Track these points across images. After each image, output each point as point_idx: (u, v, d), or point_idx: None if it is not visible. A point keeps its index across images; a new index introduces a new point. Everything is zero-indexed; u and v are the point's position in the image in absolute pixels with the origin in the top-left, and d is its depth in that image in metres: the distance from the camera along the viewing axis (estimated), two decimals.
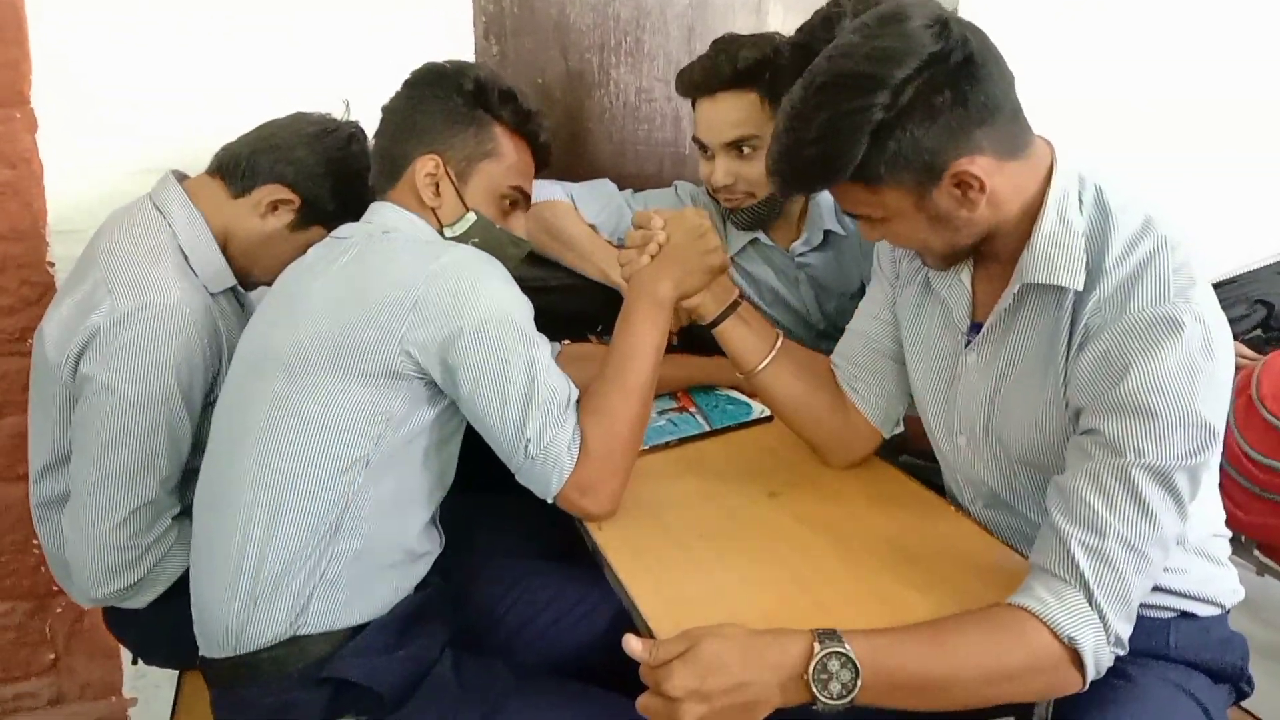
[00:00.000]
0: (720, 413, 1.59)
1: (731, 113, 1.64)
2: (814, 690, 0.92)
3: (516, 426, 1.17)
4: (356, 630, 1.20)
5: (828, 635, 0.94)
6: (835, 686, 0.92)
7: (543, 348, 1.21)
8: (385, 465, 1.20)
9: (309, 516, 1.17)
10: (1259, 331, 2.20)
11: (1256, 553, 1.75)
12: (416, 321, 1.15)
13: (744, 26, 2.14)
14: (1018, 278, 1.11)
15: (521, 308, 1.22)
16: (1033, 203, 1.09)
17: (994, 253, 1.14)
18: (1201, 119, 2.45)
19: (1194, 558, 1.22)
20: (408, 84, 1.39)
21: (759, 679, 0.92)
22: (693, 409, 1.61)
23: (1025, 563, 1.13)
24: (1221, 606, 1.25)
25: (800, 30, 1.47)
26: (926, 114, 0.99)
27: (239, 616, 1.17)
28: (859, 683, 0.92)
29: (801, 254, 1.82)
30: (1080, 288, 1.06)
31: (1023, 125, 1.07)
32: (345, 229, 1.33)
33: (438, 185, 1.33)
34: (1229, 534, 1.29)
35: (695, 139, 1.73)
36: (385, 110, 1.39)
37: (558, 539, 1.59)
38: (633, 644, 0.96)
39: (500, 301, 1.18)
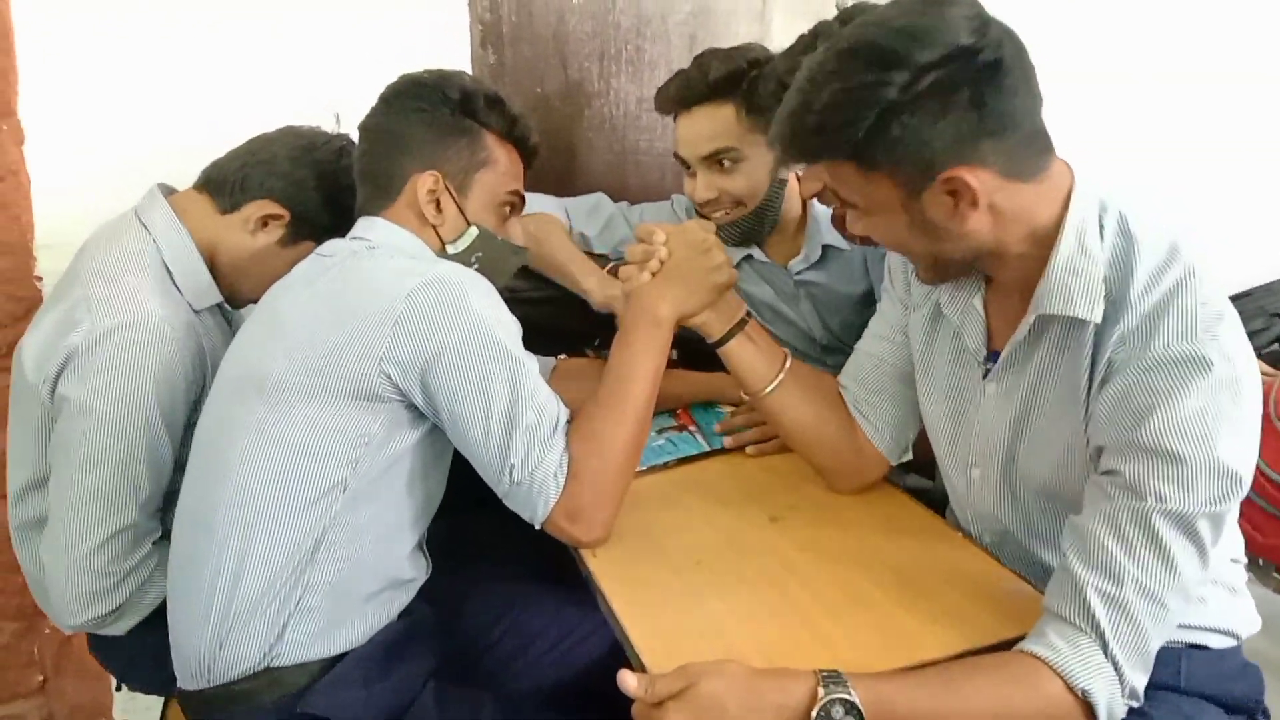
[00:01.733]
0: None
1: (707, 126, 1.60)
2: None
3: (500, 450, 1.13)
4: (335, 661, 1.16)
5: (832, 679, 0.90)
6: None
7: (529, 367, 1.17)
8: (365, 491, 1.16)
9: (284, 543, 1.13)
10: (1276, 346, 2.14)
11: (1276, 574, 1.69)
12: (396, 340, 1.11)
13: (746, 35, 2.11)
14: (1033, 308, 1.05)
15: (506, 326, 1.17)
16: (1049, 229, 1.03)
17: (1007, 279, 1.09)
18: (1216, 133, 2.41)
19: (1211, 587, 1.17)
20: (385, 99, 1.35)
21: None
22: (692, 427, 1.56)
23: (1035, 595, 1.09)
24: (1237, 637, 1.19)
25: (792, 48, 1.42)
26: (939, 107, 0.93)
27: (210, 646, 1.13)
28: None
29: (800, 271, 1.77)
30: (1099, 320, 1.01)
31: (1040, 149, 1.01)
32: (329, 246, 1.30)
33: (438, 202, 1.30)
34: (1246, 560, 1.24)
35: (676, 156, 1.69)
36: (366, 128, 1.35)
37: (550, 561, 1.55)
38: (628, 681, 0.92)
39: (483, 320, 1.14)
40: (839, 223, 1.49)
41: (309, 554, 1.13)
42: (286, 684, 1.14)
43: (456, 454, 1.25)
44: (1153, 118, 2.38)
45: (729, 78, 1.57)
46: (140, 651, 1.38)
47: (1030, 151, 1.00)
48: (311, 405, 1.13)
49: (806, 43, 1.37)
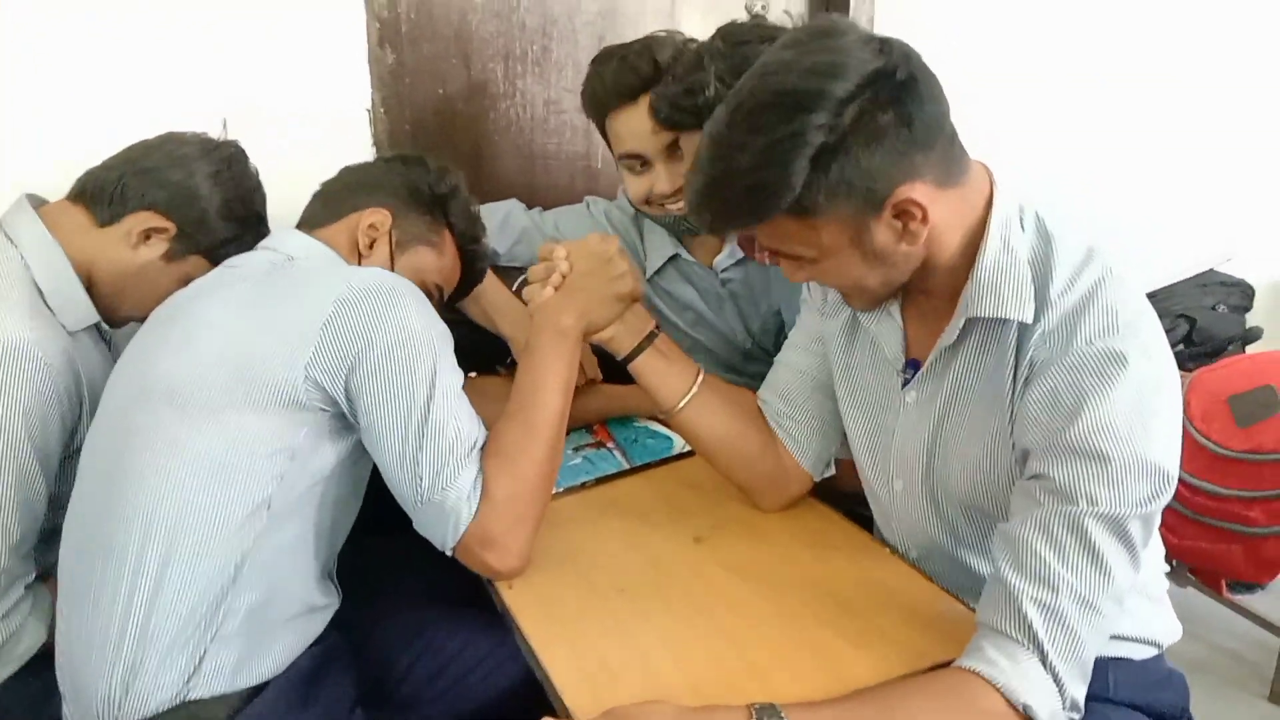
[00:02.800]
0: (640, 448, 1.49)
1: None
2: None
3: (413, 463, 1.09)
4: (255, 691, 1.10)
5: (766, 711, 0.87)
6: None
7: (454, 381, 1.14)
8: (289, 509, 1.12)
9: (205, 567, 1.07)
10: (1181, 347, 2.20)
11: (1190, 575, 1.72)
12: (324, 344, 1.08)
13: None
14: (961, 311, 1.04)
15: (438, 335, 1.15)
16: (973, 232, 1.02)
17: (927, 286, 1.07)
18: (1122, 131, 2.46)
19: (1134, 596, 1.17)
20: (387, 160, 1.44)
21: None
22: (610, 444, 1.51)
23: (967, 613, 1.08)
24: (1158, 646, 1.20)
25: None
26: (870, 135, 0.90)
27: (121, 682, 1.06)
28: None
29: (725, 269, 1.73)
30: (1030, 319, 0.99)
31: (960, 150, 1.00)
32: (239, 258, 1.26)
33: (374, 241, 1.31)
34: (1168, 568, 1.25)
35: (625, 156, 1.61)
36: (351, 168, 1.41)
37: (463, 584, 1.49)
38: None
39: (412, 327, 1.11)
40: (746, 245, 1.46)
41: (231, 578, 1.08)
42: (205, 719, 1.07)
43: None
44: (1055, 118, 2.42)
45: (676, 58, 1.50)
46: (14, 703, 1.26)
47: (953, 155, 0.99)
48: (234, 416, 1.08)
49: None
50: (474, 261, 1.46)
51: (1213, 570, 1.69)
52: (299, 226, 1.34)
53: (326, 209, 1.34)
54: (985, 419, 1.06)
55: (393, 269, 1.31)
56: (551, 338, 1.22)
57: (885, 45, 0.93)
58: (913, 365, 1.14)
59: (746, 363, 1.79)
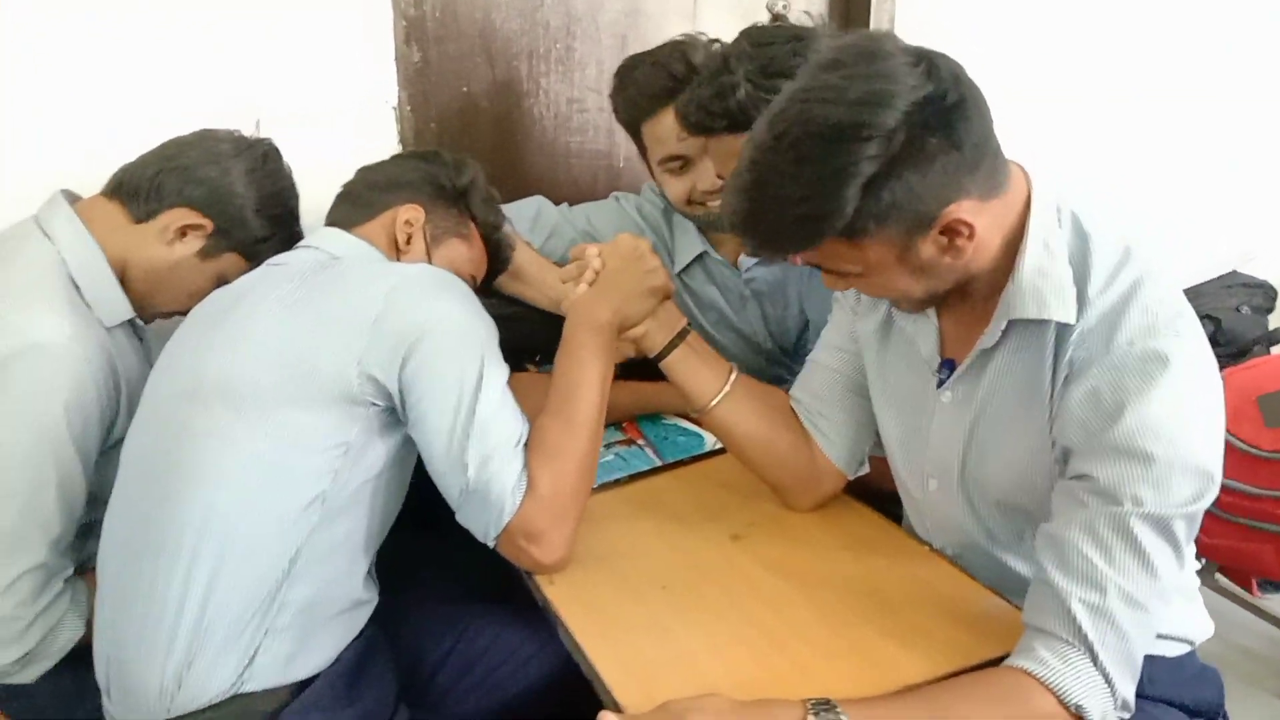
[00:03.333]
0: (671, 445, 1.49)
1: None
2: None
3: (460, 451, 1.10)
4: (303, 685, 1.12)
5: (823, 706, 0.87)
6: None
7: (500, 373, 1.15)
8: (342, 504, 1.13)
9: (259, 563, 1.09)
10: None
11: (1218, 576, 1.72)
12: (376, 339, 1.10)
13: (677, 34, 2.06)
14: (1002, 314, 1.03)
15: (485, 328, 1.16)
16: (1012, 233, 1.02)
17: (966, 289, 1.07)
18: (1146, 132, 2.47)
19: (1171, 594, 1.17)
20: (404, 156, 1.47)
21: None
22: (641, 441, 1.51)
23: (1010, 609, 1.08)
24: (1191, 643, 1.20)
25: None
26: (920, 160, 0.90)
27: (174, 677, 1.08)
28: None
29: (749, 269, 1.74)
30: (1073, 320, 0.99)
31: (1002, 159, 1.00)
32: (283, 257, 1.27)
33: (410, 237, 1.33)
34: (1200, 565, 1.25)
35: (665, 159, 1.62)
36: (369, 167, 1.42)
37: (492, 579, 1.50)
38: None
39: (460, 317, 1.14)
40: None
41: (285, 573, 1.09)
42: (256, 709, 1.09)
43: None
44: (1075, 120, 2.43)
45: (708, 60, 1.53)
46: (50, 699, 1.27)
47: (996, 167, 0.99)
48: (289, 413, 1.10)
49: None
50: (499, 249, 1.48)
51: (1243, 569, 1.69)
52: (330, 225, 1.34)
53: (358, 208, 1.35)
54: (1023, 418, 1.06)
55: (430, 263, 1.32)
56: (587, 333, 1.22)
57: (933, 67, 0.91)
58: (948, 365, 1.14)
59: (767, 365, 1.80)
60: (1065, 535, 0.96)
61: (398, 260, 1.31)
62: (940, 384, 1.15)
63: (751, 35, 1.35)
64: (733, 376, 1.29)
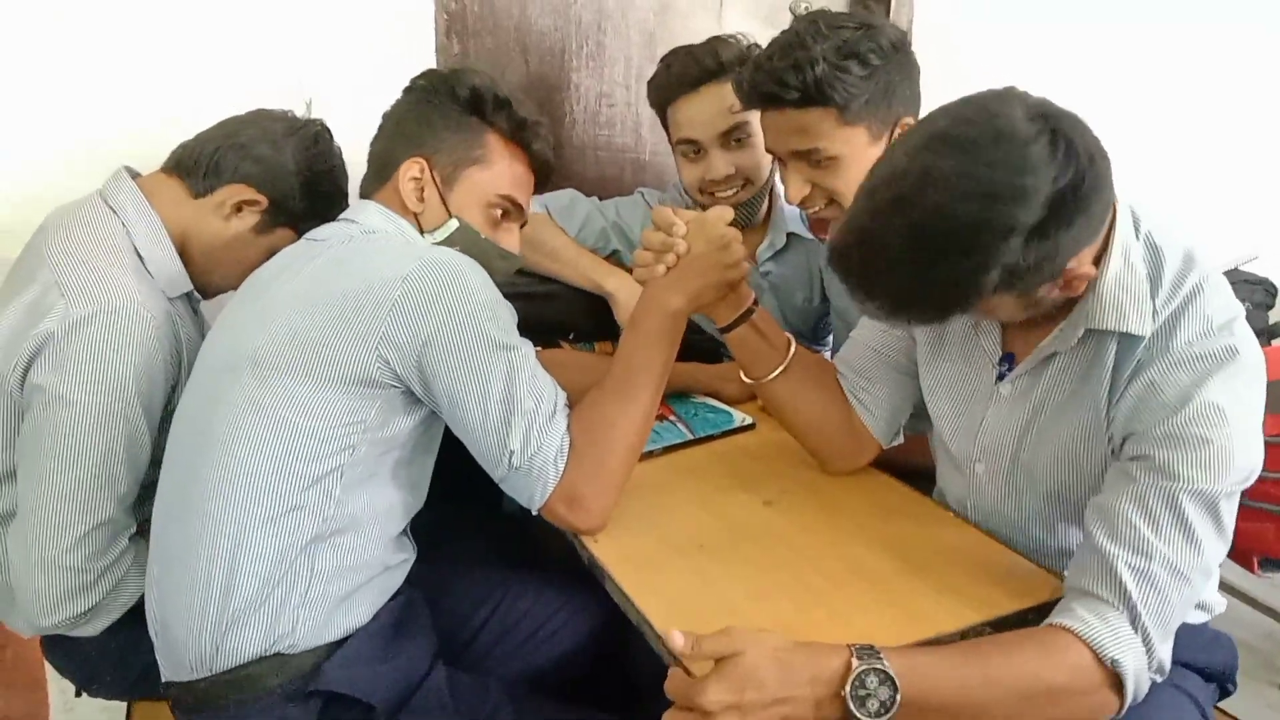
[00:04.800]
0: (701, 421, 1.55)
1: (719, 104, 1.63)
2: (851, 707, 0.89)
3: (499, 436, 1.12)
4: (339, 643, 1.15)
5: (866, 651, 0.91)
6: (874, 704, 0.89)
7: (526, 352, 1.16)
8: (361, 479, 1.14)
9: (280, 530, 1.10)
10: None
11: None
12: (392, 324, 1.10)
13: (703, 30, 2.10)
14: (1080, 321, 1.08)
15: (502, 311, 1.17)
16: (1099, 246, 1.05)
17: None
18: (1162, 128, 2.53)
19: (1213, 570, 1.22)
20: (406, 89, 1.38)
21: (796, 694, 0.89)
22: (672, 416, 1.57)
23: (1036, 569, 1.13)
24: (1210, 611, 1.25)
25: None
26: (1054, 236, 0.93)
27: (211, 641, 1.10)
28: (897, 700, 0.89)
29: (765, 259, 1.80)
30: (1147, 334, 1.04)
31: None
32: (322, 230, 1.28)
33: (422, 190, 1.31)
34: None
35: (681, 142, 1.69)
36: (384, 115, 1.37)
37: (529, 545, 1.55)
38: (675, 638, 0.91)
39: (479, 304, 1.13)
40: (817, 226, 1.51)
41: (310, 542, 1.11)
42: (295, 666, 1.12)
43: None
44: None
45: (738, 59, 1.61)
46: (107, 654, 1.33)
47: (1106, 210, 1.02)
48: (308, 387, 1.11)
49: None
50: (530, 145, 1.38)
51: (1246, 549, 1.75)
52: (362, 195, 1.36)
53: (375, 173, 1.34)
54: (1080, 413, 1.10)
55: (449, 211, 1.31)
56: (659, 320, 1.22)
57: (1070, 151, 0.91)
58: (1008, 359, 1.18)
59: None
60: (1115, 505, 1.00)
61: (416, 222, 1.31)
62: (1000, 377, 1.19)
63: (824, 17, 1.36)
64: (792, 351, 1.33)
